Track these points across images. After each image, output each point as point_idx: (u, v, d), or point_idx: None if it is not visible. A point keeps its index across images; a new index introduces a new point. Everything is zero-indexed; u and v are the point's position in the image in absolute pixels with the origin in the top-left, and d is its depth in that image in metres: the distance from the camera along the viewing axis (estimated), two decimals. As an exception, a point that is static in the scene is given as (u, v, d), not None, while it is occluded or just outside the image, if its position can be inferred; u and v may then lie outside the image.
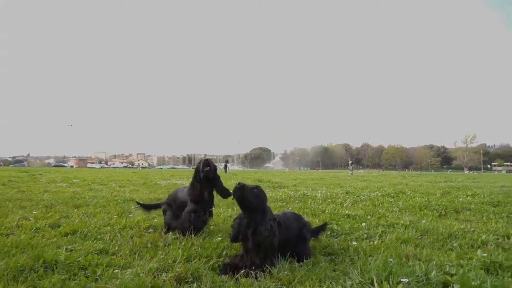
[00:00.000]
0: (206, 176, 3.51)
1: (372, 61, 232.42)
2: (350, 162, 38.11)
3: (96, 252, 2.79)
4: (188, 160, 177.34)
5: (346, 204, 6.13)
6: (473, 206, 5.75)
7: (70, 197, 6.67)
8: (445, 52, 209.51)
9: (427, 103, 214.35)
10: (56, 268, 2.36)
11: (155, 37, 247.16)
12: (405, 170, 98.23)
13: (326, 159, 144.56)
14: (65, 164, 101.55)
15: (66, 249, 2.85)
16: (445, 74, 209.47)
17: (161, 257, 2.60)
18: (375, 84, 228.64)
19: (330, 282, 2.14)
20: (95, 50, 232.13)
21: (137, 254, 2.73)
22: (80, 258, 2.53)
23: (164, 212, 3.83)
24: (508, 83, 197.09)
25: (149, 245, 3.01)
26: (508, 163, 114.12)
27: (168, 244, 3.04)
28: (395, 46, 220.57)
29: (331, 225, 3.95)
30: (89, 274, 2.28)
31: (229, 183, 12.08)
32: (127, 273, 2.28)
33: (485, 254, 2.61)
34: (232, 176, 21.47)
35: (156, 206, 4.16)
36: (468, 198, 7.05)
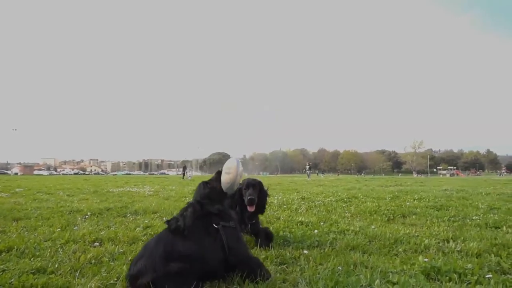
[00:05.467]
0: (250, 204, 3.45)
1: (327, 69, 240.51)
2: (307, 167, 38.73)
3: (33, 271, 2.57)
4: (144, 165, 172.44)
5: (301, 210, 6.22)
6: (418, 210, 6.06)
7: (10, 208, 6.17)
8: (396, 63, 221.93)
9: (379, 110, 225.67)
10: (-17, 292, 2.15)
11: (106, 38, 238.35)
12: (361, 174, 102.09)
13: (285, 164, 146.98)
14: (9, 171, 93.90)
15: (-3, 269, 2.61)
16: (396, 84, 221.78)
17: (103, 274, 2.45)
18: (331, 92, 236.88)
19: (279, 294, 2.13)
20: (41, 48, 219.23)
21: (78, 272, 2.56)
22: (12, 280, 2.33)
23: None
24: (452, 93, 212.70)
25: (93, 261, 2.84)
26: (451, 167, 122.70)
27: (114, 259, 2.89)
28: (351, 53, 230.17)
29: (284, 233, 3.98)
30: (21, 298, 2.10)
31: (186, 190, 11.84)
32: (64, 294, 2.12)
33: (426, 260, 2.74)
34: (190, 182, 21.07)
35: None
36: (415, 202, 7.43)
